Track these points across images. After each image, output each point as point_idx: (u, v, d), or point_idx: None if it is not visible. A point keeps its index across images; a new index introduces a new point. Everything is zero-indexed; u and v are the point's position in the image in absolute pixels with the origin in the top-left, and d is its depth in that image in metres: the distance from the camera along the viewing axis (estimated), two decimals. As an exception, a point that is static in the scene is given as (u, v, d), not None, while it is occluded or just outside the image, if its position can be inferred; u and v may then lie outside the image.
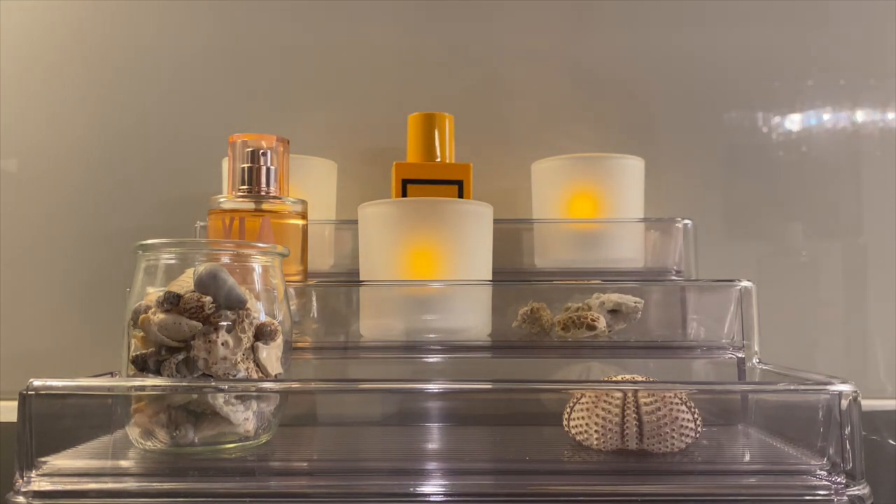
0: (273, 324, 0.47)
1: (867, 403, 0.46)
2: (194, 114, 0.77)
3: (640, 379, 0.49)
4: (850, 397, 0.42)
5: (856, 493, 0.41)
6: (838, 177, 0.78)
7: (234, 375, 0.45)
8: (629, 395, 0.46)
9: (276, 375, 0.47)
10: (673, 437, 0.45)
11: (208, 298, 0.44)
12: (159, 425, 0.44)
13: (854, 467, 0.41)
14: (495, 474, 0.45)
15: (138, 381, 0.44)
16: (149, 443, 0.45)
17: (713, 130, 0.78)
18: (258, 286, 0.48)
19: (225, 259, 0.48)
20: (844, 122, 0.78)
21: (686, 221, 0.68)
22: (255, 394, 0.46)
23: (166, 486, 0.42)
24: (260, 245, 0.49)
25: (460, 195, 0.64)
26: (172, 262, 0.47)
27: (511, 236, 0.70)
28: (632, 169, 0.68)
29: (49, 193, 0.76)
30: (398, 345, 0.56)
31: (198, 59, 0.77)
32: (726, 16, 0.78)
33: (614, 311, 0.57)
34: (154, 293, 0.46)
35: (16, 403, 0.42)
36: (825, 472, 0.42)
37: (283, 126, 0.73)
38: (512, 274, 0.69)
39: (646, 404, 0.46)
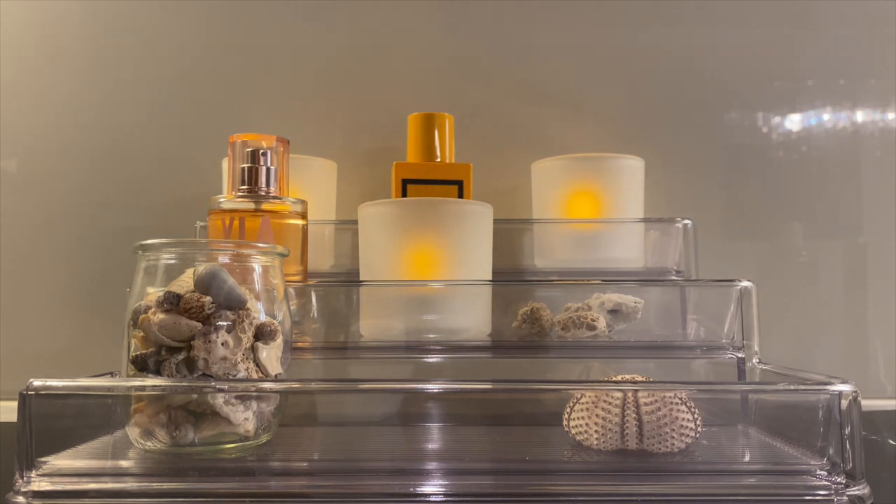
0: (273, 324, 0.47)
1: (867, 403, 0.46)
2: (194, 114, 0.77)
3: (640, 379, 0.49)
4: (850, 397, 0.42)
5: (856, 493, 0.41)
6: (838, 177, 0.78)
7: (234, 375, 0.45)
8: (629, 395, 0.46)
9: (276, 375, 0.47)
10: (673, 437, 0.45)
11: (208, 298, 0.45)
12: (159, 425, 0.44)
13: (854, 467, 0.41)
14: (495, 474, 0.45)
15: (138, 381, 0.44)
16: (149, 443, 0.45)
17: (713, 130, 0.78)
18: (258, 286, 0.48)
19: (225, 259, 0.48)
20: (844, 122, 0.78)
21: (686, 221, 0.68)
22: (255, 394, 0.46)
23: (166, 486, 0.42)
24: (260, 245, 0.49)
25: (460, 195, 0.64)
26: (172, 262, 0.47)
27: (511, 236, 0.70)
28: (632, 169, 0.68)
29: (49, 193, 0.76)
30: (398, 345, 0.56)
31: (198, 59, 0.77)
32: (726, 16, 0.78)
33: (614, 311, 0.57)
34: (154, 293, 0.46)
35: (16, 403, 0.42)
36: (825, 472, 0.42)
37: (283, 126, 0.73)
38: (512, 274, 0.69)
39: (646, 404, 0.46)
